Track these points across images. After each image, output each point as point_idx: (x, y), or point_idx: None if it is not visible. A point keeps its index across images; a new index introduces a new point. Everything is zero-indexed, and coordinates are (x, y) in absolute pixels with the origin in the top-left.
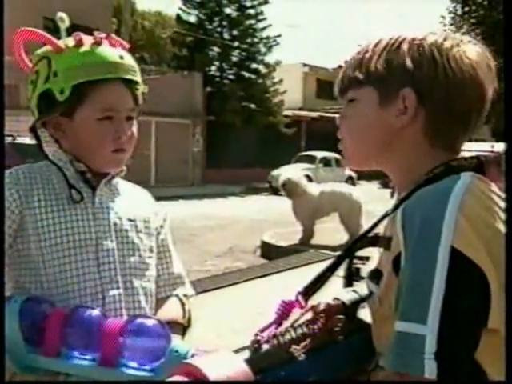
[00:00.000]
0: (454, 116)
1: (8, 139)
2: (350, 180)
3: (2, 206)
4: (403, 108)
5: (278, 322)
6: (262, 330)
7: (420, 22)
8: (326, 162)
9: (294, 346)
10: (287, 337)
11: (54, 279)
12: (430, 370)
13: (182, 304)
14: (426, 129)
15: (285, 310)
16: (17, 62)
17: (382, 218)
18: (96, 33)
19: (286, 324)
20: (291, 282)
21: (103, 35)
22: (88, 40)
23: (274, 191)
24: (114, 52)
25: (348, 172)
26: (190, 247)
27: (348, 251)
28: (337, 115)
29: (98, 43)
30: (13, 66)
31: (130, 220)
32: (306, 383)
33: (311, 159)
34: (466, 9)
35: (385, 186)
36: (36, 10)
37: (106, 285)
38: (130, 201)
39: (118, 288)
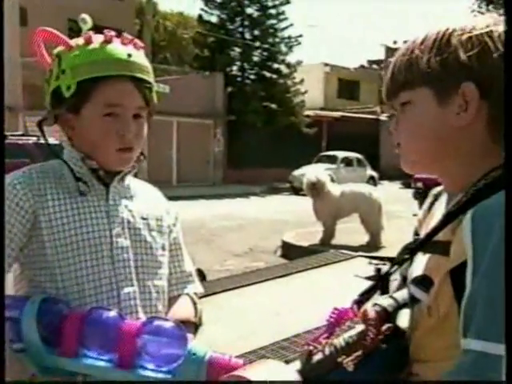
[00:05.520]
0: None
1: (33, 139)
2: (371, 180)
3: (2, 207)
4: (464, 103)
5: (330, 330)
6: (314, 340)
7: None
8: (347, 162)
9: (344, 357)
10: (339, 347)
11: (69, 277)
12: None
13: (194, 303)
14: (490, 124)
15: (337, 317)
16: (39, 62)
17: (445, 222)
18: (106, 31)
19: (339, 333)
20: (311, 282)
21: (113, 33)
22: (98, 38)
23: (295, 191)
24: (123, 50)
25: (369, 172)
26: (210, 247)
27: (404, 258)
28: (357, 115)
29: (107, 41)
30: (37, 67)
31: (143, 218)
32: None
33: (332, 159)
34: (491, 7)
35: (407, 186)
36: (61, 11)
37: (121, 282)
38: (142, 199)
39: (132, 285)
